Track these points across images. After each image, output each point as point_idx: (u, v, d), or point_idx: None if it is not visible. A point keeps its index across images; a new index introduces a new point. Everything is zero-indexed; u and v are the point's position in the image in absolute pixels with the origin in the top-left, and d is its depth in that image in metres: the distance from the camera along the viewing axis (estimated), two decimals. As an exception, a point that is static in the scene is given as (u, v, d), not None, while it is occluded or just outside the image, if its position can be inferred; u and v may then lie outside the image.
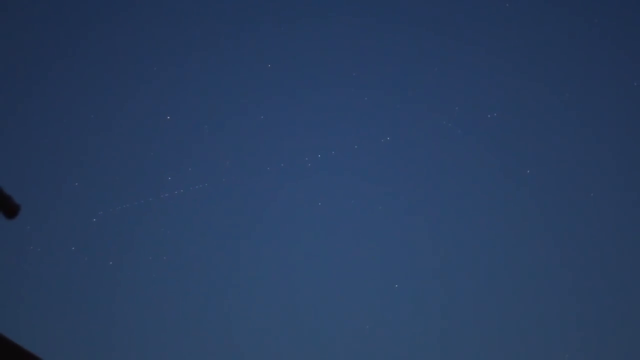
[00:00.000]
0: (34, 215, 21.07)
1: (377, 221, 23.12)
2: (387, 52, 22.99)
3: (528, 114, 22.97)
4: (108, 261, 21.66)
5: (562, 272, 22.77)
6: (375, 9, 23.12)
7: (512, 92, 22.99)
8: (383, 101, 23.16)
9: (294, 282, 23.01)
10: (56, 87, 22.52)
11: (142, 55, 22.78)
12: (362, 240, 23.22)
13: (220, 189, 22.55)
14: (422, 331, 22.27)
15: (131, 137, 22.64)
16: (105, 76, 22.67)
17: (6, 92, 22.38)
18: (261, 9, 23.11)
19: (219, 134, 23.01)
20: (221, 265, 22.80)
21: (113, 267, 21.67)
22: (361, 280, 22.91)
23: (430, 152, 23.00)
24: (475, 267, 22.80)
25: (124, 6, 22.88)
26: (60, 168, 22.17)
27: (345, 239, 23.26)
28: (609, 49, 23.18)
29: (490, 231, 23.23)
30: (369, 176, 23.27)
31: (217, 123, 22.95)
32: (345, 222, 23.18)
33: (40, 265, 21.56)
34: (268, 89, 23.11)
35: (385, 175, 23.28)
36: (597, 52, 23.25)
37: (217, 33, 23.14)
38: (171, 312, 22.20)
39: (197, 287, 22.68)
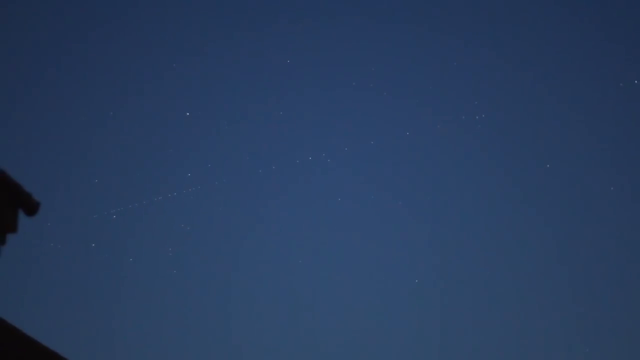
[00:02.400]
0: (54, 212, 21.21)
1: (397, 217, 23.16)
2: (395, 52, 23.03)
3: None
4: (128, 257, 21.80)
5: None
6: (381, 9, 23.19)
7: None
8: (401, 98, 23.21)
9: (315, 280, 23.11)
10: (74, 87, 22.69)
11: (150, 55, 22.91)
12: (382, 236, 23.27)
13: (233, 186, 22.68)
14: (444, 326, 22.30)
15: (149, 135, 22.78)
16: (124, 75, 22.83)
17: (27, 92, 22.58)
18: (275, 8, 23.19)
19: (236, 131, 23.13)
20: (248, 260, 22.93)
21: (133, 263, 21.82)
22: (381, 277, 22.96)
23: (451, 149, 23.01)
24: (498, 263, 22.82)
25: (145, 5, 23.03)
26: (80, 165, 22.33)
27: (365, 234, 23.31)
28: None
29: (513, 229, 23.25)
30: (386, 172, 23.32)
31: (234, 120, 23.07)
32: (364, 218, 23.23)
33: (61, 262, 21.72)
34: (286, 86, 23.20)
35: (404, 172, 23.31)
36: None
37: (238, 31, 23.26)
38: (193, 307, 22.34)
39: (221, 284, 22.84)
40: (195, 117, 22.65)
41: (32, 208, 7.48)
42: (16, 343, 7.98)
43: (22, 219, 7.49)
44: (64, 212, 21.73)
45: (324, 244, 23.43)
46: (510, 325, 22.42)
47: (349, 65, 23.02)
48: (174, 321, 22.01)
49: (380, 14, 23.14)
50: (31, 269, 21.74)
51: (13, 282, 21.14)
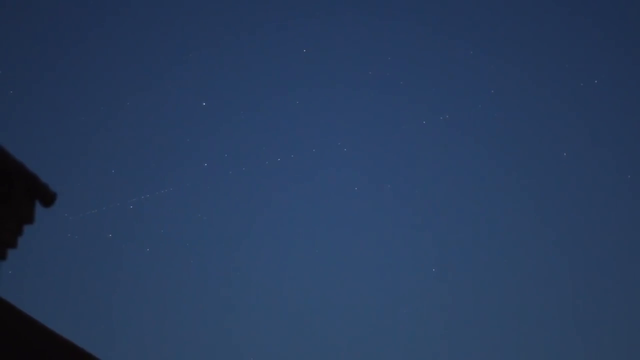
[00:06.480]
0: (71, 203, 21.29)
1: (413, 207, 23.17)
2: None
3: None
4: (145, 247, 21.87)
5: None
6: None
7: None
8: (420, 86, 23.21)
9: (327, 275, 23.15)
10: (90, 77, 22.76)
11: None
12: (399, 225, 23.28)
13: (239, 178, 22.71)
14: (460, 314, 22.31)
15: (166, 125, 22.85)
16: (141, 66, 22.89)
17: (43, 83, 22.65)
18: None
19: (251, 121, 23.17)
20: (265, 250, 22.98)
21: (150, 253, 21.89)
22: (398, 265, 22.97)
23: (467, 141, 22.99)
24: (519, 253, 22.82)
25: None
26: (97, 156, 22.40)
27: (378, 224, 23.32)
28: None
29: (529, 225, 23.24)
30: (402, 163, 23.31)
31: (248, 110, 23.12)
32: (379, 208, 23.24)
33: (78, 253, 21.81)
34: (302, 76, 23.23)
35: (419, 163, 23.29)
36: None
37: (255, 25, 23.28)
38: (209, 298, 22.42)
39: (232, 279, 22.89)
40: (210, 107, 22.68)
41: (48, 199, 7.49)
42: (34, 334, 8.00)
43: (39, 210, 7.50)
44: (81, 203, 21.81)
45: (335, 237, 23.46)
46: (528, 319, 22.40)
47: (365, 56, 23.03)
48: (190, 312, 22.08)
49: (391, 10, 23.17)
50: (48, 260, 21.84)
51: (30, 273, 21.24)
